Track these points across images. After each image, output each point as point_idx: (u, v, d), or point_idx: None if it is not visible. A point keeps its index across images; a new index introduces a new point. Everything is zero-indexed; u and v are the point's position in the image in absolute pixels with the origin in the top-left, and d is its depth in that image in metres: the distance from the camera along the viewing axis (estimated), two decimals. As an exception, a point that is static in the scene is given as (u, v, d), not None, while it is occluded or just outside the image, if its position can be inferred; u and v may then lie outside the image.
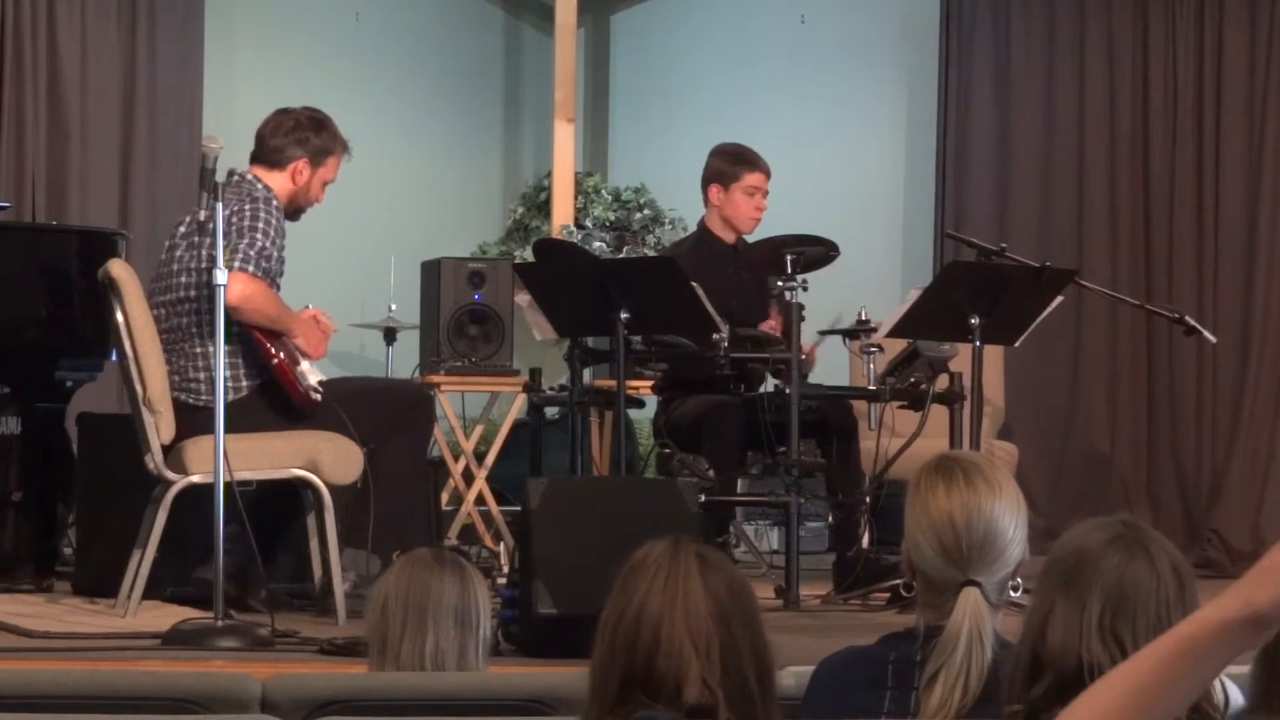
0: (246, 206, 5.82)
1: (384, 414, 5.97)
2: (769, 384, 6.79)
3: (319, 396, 5.86)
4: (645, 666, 2.36)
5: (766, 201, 7.18)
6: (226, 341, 5.51)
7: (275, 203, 5.92)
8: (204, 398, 5.75)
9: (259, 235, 5.77)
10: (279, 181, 6.01)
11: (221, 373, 5.29)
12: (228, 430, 5.41)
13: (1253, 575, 1.73)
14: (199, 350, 5.83)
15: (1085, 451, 9.01)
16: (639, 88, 9.94)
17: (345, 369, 8.36)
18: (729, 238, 7.18)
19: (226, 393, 5.66)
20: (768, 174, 7.16)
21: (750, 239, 7.16)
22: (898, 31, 9.65)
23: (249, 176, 5.99)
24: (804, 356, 6.59)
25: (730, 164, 7.15)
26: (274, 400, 5.87)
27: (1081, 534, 2.40)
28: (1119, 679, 1.78)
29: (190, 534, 5.75)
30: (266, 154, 6.04)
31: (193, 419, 5.68)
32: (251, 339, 5.81)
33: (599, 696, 2.39)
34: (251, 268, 5.72)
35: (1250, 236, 8.85)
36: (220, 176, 5.44)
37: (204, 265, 5.80)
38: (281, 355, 5.83)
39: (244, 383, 5.85)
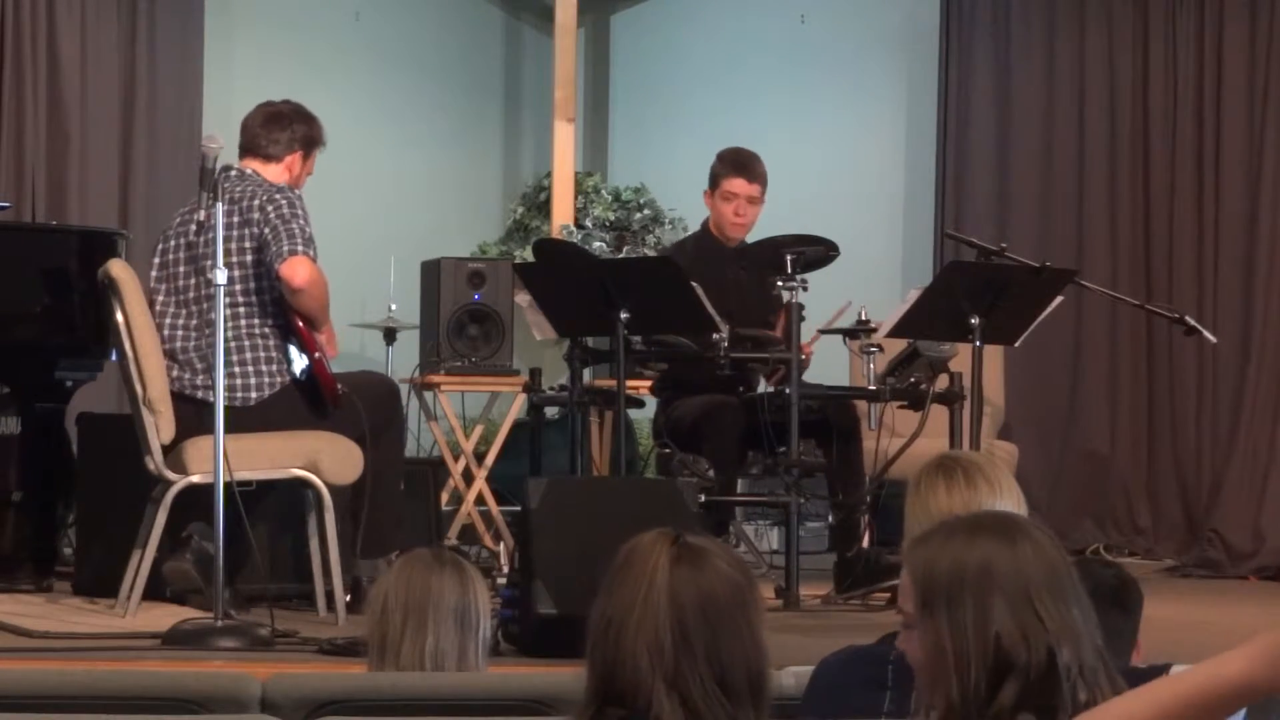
0: (278, 196, 5.84)
1: (374, 411, 5.99)
2: (766, 385, 6.79)
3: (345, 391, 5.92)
4: (610, 674, 2.34)
5: (754, 210, 7.11)
6: (267, 335, 5.67)
7: (298, 191, 5.96)
8: (253, 396, 5.80)
9: (303, 222, 5.81)
10: (274, 174, 6.02)
11: (220, 371, 5.30)
12: (260, 428, 5.49)
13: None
14: (247, 350, 5.85)
15: (1085, 451, 9.01)
16: (639, 88, 9.94)
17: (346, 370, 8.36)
18: (727, 240, 7.17)
19: (263, 388, 5.73)
20: (752, 180, 7.07)
21: (751, 239, 7.15)
22: (898, 31, 9.65)
23: (248, 171, 5.99)
24: (804, 357, 6.60)
25: (719, 168, 7.14)
26: (302, 396, 5.90)
27: (954, 539, 2.33)
28: (1138, 707, 1.78)
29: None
30: (261, 148, 6.04)
31: (240, 419, 5.69)
32: (296, 332, 5.85)
33: (586, 703, 2.38)
34: (312, 252, 5.77)
35: (1250, 236, 8.84)
36: (218, 175, 5.46)
37: (249, 259, 5.83)
38: (319, 349, 5.88)
39: (285, 377, 5.87)
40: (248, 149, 6.05)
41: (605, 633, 2.34)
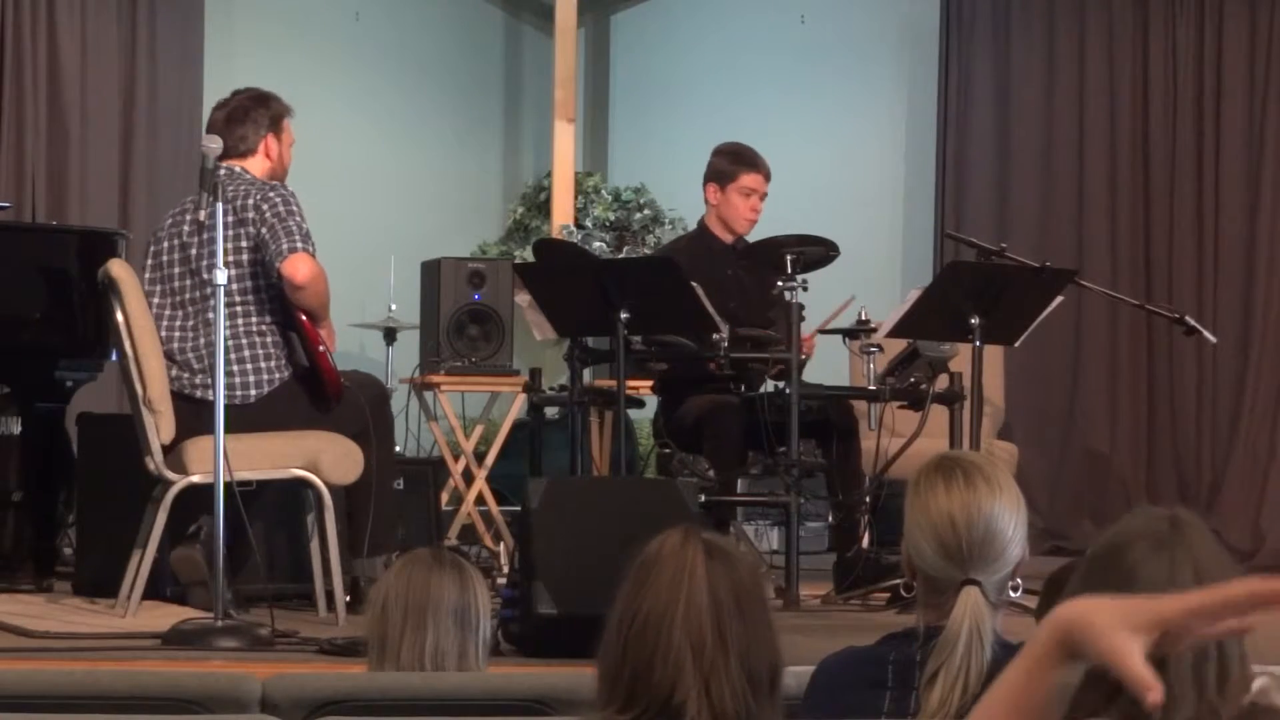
0: (272, 194, 5.84)
1: (371, 410, 5.99)
2: (768, 384, 6.79)
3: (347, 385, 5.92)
4: (646, 668, 2.35)
5: (764, 204, 7.15)
6: (265, 333, 5.73)
7: (289, 187, 5.96)
8: (252, 394, 5.81)
9: (300, 218, 5.81)
10: (257, 166, 6.02)
11: (220, 371, 5.29)
12: (261, 425, 5.55)
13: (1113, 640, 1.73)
14: (245, 349, 5.85)
15: (1085, 451, 9.01)
16: (639, 88, 9.94)
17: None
18: (727, 238, 7.17)
19: (262, 385, 5.73)
20: (767, 175, 7.13)
21: (749, 239, 7.15)
22: (898, 31, 9.66)
23: (236, 169, 5.99)
24: (805, 357, 6.60)
25: (729, 164, 7.13)
26: (302, 392, 5.90)
27: (1126, 528, 2.34)
28: (998, 690, 1.80)
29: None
30: (234, 148, 6.03)
31: (241, 417, 5.69)
32: (298, 326, 5.85)
33: (606, 696, 2.38)
34: (311, 248, 5.77)
35: (1250, 236, 8.85)
36: (215, 175, 5.47)
37: (245, 259, 5.83)
38: (322, 342, 5.89)
39: (284, 373, 5.87)
40: (224, 152, 6.04)
41: (642, 630, 2.34)
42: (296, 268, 5.73)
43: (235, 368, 5.80)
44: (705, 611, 2.34)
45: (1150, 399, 8.98)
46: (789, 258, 6.44)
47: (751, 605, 2.38)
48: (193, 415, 5.72)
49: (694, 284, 6.30)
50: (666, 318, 6.44)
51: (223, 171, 5.91)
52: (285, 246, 5.74)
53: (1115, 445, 8.98)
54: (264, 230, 5.78)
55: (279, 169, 6.08)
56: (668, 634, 2.33)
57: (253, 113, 6.08)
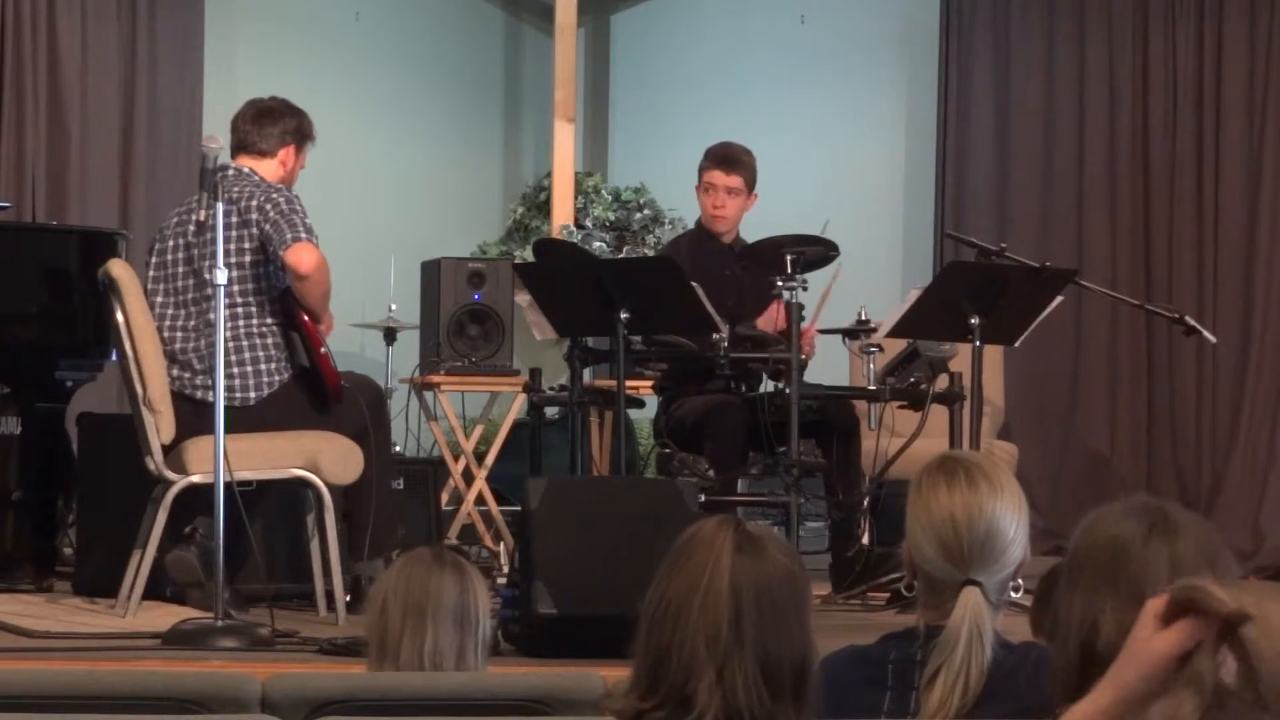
0: (275, 195, 5.84)
1: (368, 411, 5.99)
2: (767, 384, 6.79)
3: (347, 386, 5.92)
4: (665, 655, 2.34)
5: (734, 202, 7.09)
6: (265, 335, 5.74)
7: (293, 190, 5.96)
8: (252, 395, 5.80)
9: (303, 216, 5.80)
10: (269, 169, 6.02)
11: (220, 371, 5.29)
12: (260, 427, 5.56)
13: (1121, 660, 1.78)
14: (245, 350, 5.85)
15: (1085, 451, 9.01)
16: (639, 88, 9.94)
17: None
18: (723, 237, 7.18)
19: (262, 387, 5.73)
20: (730, 172, 7.06)
21: (748, 238, 7.15)
22: (898, 31, 9.65)
23: (245, 169, 5.99)
24: (804, 357, 6.60)
25: (702, 161, 7.19)
26: (301, 393, 5.90)
27: (1112, 524, 2.33)
28: None
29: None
30: (253, 144, 6.03)
31: (241, 417, 5.69)
32: (300, 326, 5.85)
33: (632, 681, 2.37)
34: (315, 238, 5.76)
35: (1250, 236, 8.85)
36: (217, 175, 5.47)
37: (248, 260, 5.83)
38: (324, 344, 5.89)
39: (284, 375, 5.87)
40: (240, 147, 6.04)
41: (663, 616, 2.34)
42: (301, 256, 5.72)
43: (236, 369, 5.79)
44: (723, 602, 2.33)
45: (1150, 399, 8.97)
46: (789, 258, 6.45)
47: (775, 602, 2.37)
48: (193, 415, 5.71)
49: (694, 284, 6.31)
50: (666, 318, 6.44)
51: (231, 171, 5.91)
52: (289, 236, 5.74)
53: (1115, 445, 8.98)
54: (267, 226, 5.78)
55: (288, 182, 6.08)
56: (685, 621, 2.33)
57: (286, 119, 6.08)
